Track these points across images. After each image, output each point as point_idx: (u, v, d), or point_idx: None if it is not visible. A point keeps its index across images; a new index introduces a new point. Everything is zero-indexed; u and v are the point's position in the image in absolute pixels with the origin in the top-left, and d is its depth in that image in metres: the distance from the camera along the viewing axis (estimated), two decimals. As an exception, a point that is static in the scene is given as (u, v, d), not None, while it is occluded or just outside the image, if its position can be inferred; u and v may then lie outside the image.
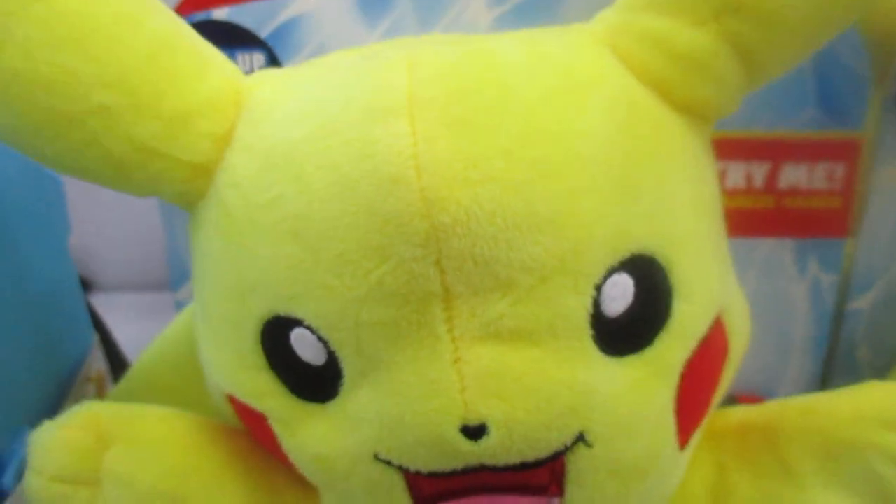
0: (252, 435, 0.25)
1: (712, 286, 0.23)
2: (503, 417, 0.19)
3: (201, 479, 0.24)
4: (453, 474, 0.20)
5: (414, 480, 0.21)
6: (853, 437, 0.24)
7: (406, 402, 0.20)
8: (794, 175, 0.33)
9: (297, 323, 0.21)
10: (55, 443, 0.23)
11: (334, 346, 0.20)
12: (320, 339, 0.20)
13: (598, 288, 0.20)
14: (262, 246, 0.21)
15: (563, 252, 0.19)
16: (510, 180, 0.19)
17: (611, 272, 0.20)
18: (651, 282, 0.21)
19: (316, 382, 0.21)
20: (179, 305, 0.40)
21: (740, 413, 0.26)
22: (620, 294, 0.20)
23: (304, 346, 0.21)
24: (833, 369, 0.37)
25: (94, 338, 0.35)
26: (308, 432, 0.22)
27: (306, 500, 0.25)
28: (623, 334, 0.21)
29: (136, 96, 0.20)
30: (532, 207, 0.19)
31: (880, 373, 0.36)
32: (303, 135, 0.20)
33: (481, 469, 0.20)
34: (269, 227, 0.20)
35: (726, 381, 0.26)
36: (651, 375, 0.21)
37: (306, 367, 0.21)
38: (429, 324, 0.19)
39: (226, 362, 0.23)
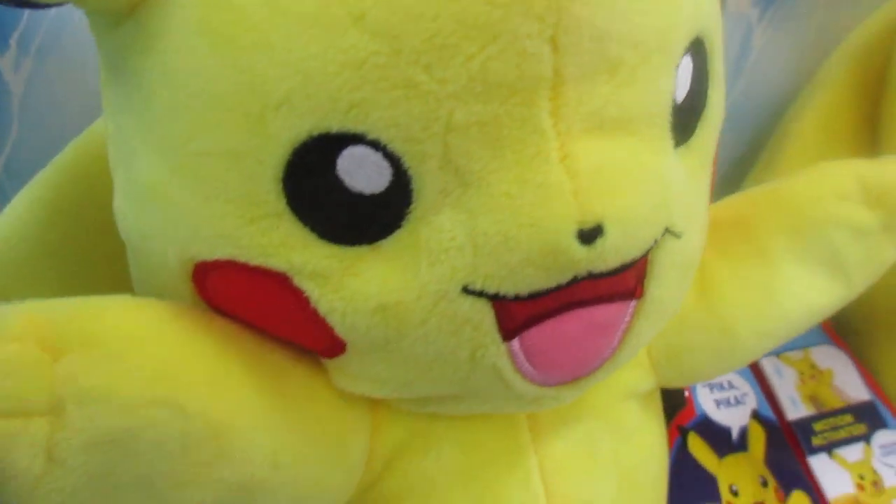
0: (243, 312, 0.20)
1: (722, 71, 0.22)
2: (618, 215, 0.17)
3: (195, 376, 0.19)
4: (550, 292, 0.18)
5: (505, 310, 0.18)
6: (816, 214, 0.27)
7: (510, 215, 0.17)
8: None
9: (355, 140, 0.17)
10: None
11: (409, 163, 0.17)
12: (388, 155, 0.17)
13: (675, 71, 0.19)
14: (303, 42, 0.16)
15: (664, 26, 0.18)
16: None
17: (684, 53, 0.19)
18: (702, 66, 0.21)
19: (365, 218, 0.18)
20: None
21: (710, 211, 0.24)
22: (685, 78, 0.19)
23: (358, 169, 0.17)
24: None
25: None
26: (360, 282, 0.18)
27: (312, 378, 0.22)
28: (684, 122, 0.20)
29: None
30: None
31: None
32: None
33: (579, 281, 0.18)
34: (314, 14, 0.16)
35: None
36: (698, 166, 0.21)
37: (354, 199, 0.17)
38: (533, 118, 0.17)
39: (215, 216, 0.18)
